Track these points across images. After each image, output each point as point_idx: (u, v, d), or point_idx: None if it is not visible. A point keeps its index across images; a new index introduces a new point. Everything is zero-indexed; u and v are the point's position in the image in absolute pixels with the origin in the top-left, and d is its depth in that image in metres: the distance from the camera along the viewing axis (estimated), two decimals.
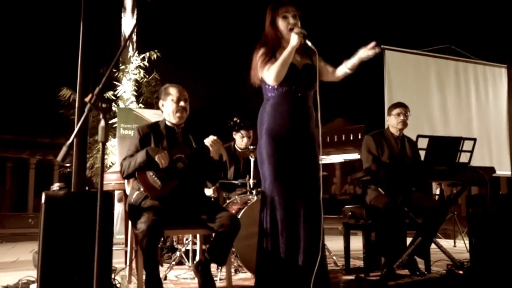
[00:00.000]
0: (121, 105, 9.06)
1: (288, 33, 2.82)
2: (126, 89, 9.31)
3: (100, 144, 2.25)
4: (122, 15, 10.19)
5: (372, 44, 2.75)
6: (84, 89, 2.78)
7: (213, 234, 3.05)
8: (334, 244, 5.27)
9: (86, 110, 2.28)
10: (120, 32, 9.77)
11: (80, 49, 2.79)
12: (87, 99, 2.25)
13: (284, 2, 2.89)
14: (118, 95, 9.26)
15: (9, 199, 25.83)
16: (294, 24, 2.82)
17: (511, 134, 4.18)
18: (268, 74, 2.80)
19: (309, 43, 2.75)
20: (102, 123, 2.24)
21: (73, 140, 2.32)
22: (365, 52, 2.77)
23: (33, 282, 3.01)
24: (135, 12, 10.08)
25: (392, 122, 4.05)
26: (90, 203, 2.47)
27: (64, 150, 2.21)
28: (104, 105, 2.25)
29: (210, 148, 3.04)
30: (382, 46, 6.39)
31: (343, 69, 2.90)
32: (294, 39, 2.73)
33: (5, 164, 25.57)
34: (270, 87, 2.88)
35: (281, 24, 2.87)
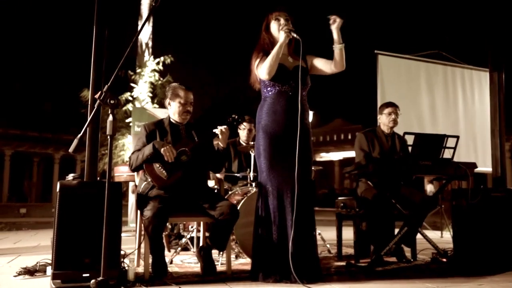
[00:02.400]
0: (138, 105, 9.12)
1: (279, 34, 2.85)
2: (142, 90, 9.37)
3: (108, 137, 2.27)
4: (139, 22, 10.26)
5: (331, 19, 2.80)
6: (96, 87, 2.79)
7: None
8: (329, 233, 5.27)
9: (95, 105, 2.30)
10: (137, 40, 9.80)
11: (93, 49, 2.81)
12: (96, 96, 2.27)
13: (278, 7, 2.92)
14: (134, 96, 9.33)
15: (36, 191, 26.07)
16: (284, 25, 2.84)
17: (493, 133, 4.15)
18: (260, 70, 2.86)
19: (295, 35, 2.80)
20: (110, 118, 2.26)
21: (84, 133, 2.34)
22: (332, 27, 2.82)
23: (49, 264, 3.03)
24: (151, 18, 10.12)
25: (383, 120, 4.03)
26: (101, 191, 2.50)
27: (75, 141, 2.24)
28: (112, 101, 2.26)
29: (220, 136, 3.08)
30: (375, 51, 6.36)
31: (335, 50, 2.88)
32: (282, 36, 2.80)
33: (32, 159, 25.82)
34: (266, 88, 2.91)
35: (273, 26, 2.92)
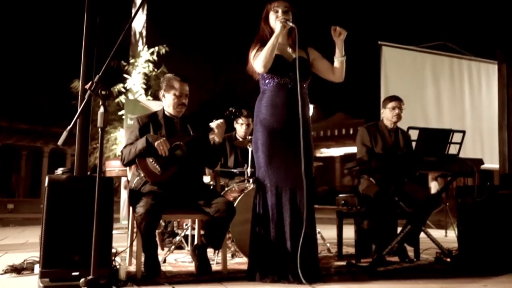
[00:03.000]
0: (131, 97, 9.09)
1: (276, 24, 2.84)
2: (135, 82, 9.33)
3: (99, 129, 2.25)
4: (133, 11, 10.20)
5: (333, 29, 2.81)
6: (87, 78, 2.78)
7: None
8: (330, 232, 5.27)
9: (86, 96, 2.28)
10: (130, 27, 9.74)
11: (84, 39, 2.79)
12: (87, 86, 2.25)
13: None
14: (127, 87, 9.29)
15: (24, 186, 26.03)
16: (283, 16, 2.82)
17: (501, 128, 4.15)
18: (256, 62, 2.85)
19: (291, 24, 2.80)
20: (101, 109, 2.24)
21: (74, 125, 2.33)
22: (336, 39, 2.83)
23: (37, 262, 3.02)
24: (145, 7, 10.07)
25: (386, 115, 4.01)
26: (91, 187, 2.48)
27: (64, 134, 2.22)
28: (103, 92, 2.25)
29: (215, 130, 3.07)
30: (379, 42, 6.35)
31: (336, 62, 2.92)
32: (277, 27, 2.79)
33: (20, 152, 25.76)
34: (265, 80, 2.90)
35: (272, 17, 2.89)
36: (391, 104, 3.99)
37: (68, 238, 2.58)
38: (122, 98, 9.13)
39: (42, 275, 2.52)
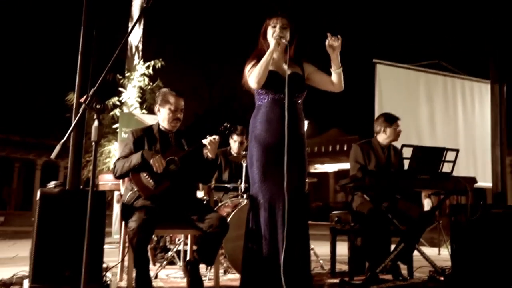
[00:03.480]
0: (125, 110, 9.08)
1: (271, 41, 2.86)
2: (130, 95, 9.33)
3: (93, 143, 2.24)
4: (129, 25, 10.25)
5: (329, 37, 2.79)
6: (82, 91, 2.77)
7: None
8: (323, 249, 5.24)
9: (81, 110, 2.27)
10: (127, 40, 9.77)
11: (80, 52, 2.79)
12: (82, 100, 2.24)
13: (277, 14, 2.91)
14: (122, 101, 9.28)
15: (15, 198, 25.77)
16: (278, 33, 2.84)
17: (493, 147, 4.17)
18: (250, 77, 2.86)
19: (284, 41, 2.81)
20: (96, 123, 2.23)
21: (68, 139, 2.31)
22: (330, 48, 2.81)
23: (27, 277, 2.98)
24: (142, 21, 10.12)
25: (389, 133, 4.00)
26: (84, 201, 2.46)
27: (58, 147, 2.20)
28: (98, 106, 2.24)
29: (208, 147, 3.06)
30: (373, 60, 6.40)
31: (333, 74, 2.92)
32: (271, 44, 2.81)
33: (13, 164, 25.54)
34: (260, 96, 2.91)
35: (269, 33, 2.90)
36: (396, 124, 4.02)
37: (58, 252, 2.56)
38: (116, 112, 9.11)
39: None
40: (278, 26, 2.87)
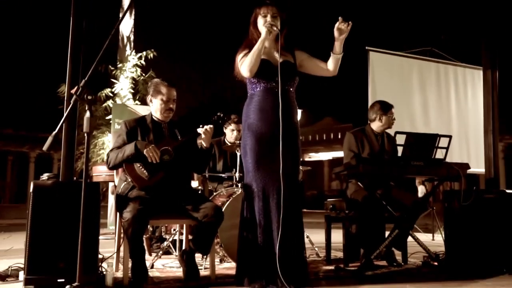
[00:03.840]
0: (118, 101, 9.02)
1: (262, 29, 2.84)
2: (123, 86, 9.27)
3: (85, 134, 2.23)
4: (121, 15, 10.15)
5: (340, 20, 2.76)
6: (73, 82, 2.75)
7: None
8: (318, 236, 5.27)
9: (72, 101, 2.26)
10: (118, 31, 9.67)
11: (70, 43, 2.76)
12: (73, 91, 2.23)
13: (266, 2, 2.89)
14: (115, 92, 9.22)
15: (9, 191, 25.68)
16: (269, 21, 2.82)
17: (486, 133, 4.19)
18: (242, 66, 2.84)
19: (276, 29, 2.79)
20: (87, 114, 2.22)
21: (59, 131, 2.30)
22: (337, 31, 2.78)
23: (22, 269, 2.97)
24: (133, 11, 10.03)
25: (385, 121, 4.00)
26: (77, 192, 2.45)
27: (50, 139, 2.19)
28: (89, 97, 2.22)
29: (203, 136, 3.05)
30: (366, 48, 6.39)
31: (332, 58, 2.90)
32: (263, 32, 2.79)
33: (6, 157, 25.42)
34: (252, 85, 2.90)
35: (260, 22, 2.88)
36: (390, 112, 4.02)
37: (53, 244, 2.55)
38: (109, 103, 9.05)
39: (27, 282, 2.49)
40: (269, 15, 2.86)
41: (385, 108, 4.03)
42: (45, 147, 2.18)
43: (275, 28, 2.80)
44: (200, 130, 3.06)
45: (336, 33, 2.80)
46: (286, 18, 2.94)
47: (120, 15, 10.14)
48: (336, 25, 2.77)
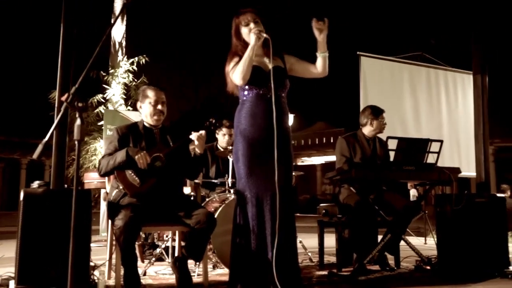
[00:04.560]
0: (110, 108, 8.98)
1: (250, 37, 2.81)
2: (115, 92, 9.23)
3: (76, 142, 2.20)
4: (112, 20, 10.12)
5: (314, 21, 2.78)
6: (63, 89, 2.73)
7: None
8: (311, 241, 5.26)
9: (62, 108, 2.23)
10: (110, 37, 9.64)
11: (60, 50, 2.74)
12: (63, 98, 2.20)
13: (244, 11, 2.88)
14: (107, 98, 9.18)
15: (0, 198, 25.43)
16: (254, 27, 2.81)
17: (477, 137, 4.21)
18: (234, 75, 2.82)
19: (265, 35, 2.78)
20: (78, 121, 2.19)
21: (50, 138, 2.27)
22: (316, 31, 2.80)
23: (13, 278, 2.94)
24: (125, 17, 10.01)
25: (376, 126, 4.02)
26: (68, 200, 2.43)
27: (40, 147, 2.16)
28: (80, 104, 2.20)
29: (196, 142, 3.03)
30: (358, 53, 6.42)
31: (319, 58, 2.90)
32: (252, 39, 2.76)
33: None
34: (244, 91, 2.89)
35: (244, 31, 2.87)
36: (381, 116, 4.04)
37: (44, 253, 2.52)
38: (101, 109, 9.01)
39: None
40: (251, 22, 2.84)
41: (376, 112, 4.04)
42: (35, 155, 2.15)
43: (263, 34, 2.78)
44: (193, 136, 3.05)
45: (316, 33, 2.82)
46: (266, 22, 2.92)
47: (112, 21, 10.13)
48: (313, 25, 2.79)
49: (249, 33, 2.80)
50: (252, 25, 2.83)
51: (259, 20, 2.86)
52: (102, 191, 6.31)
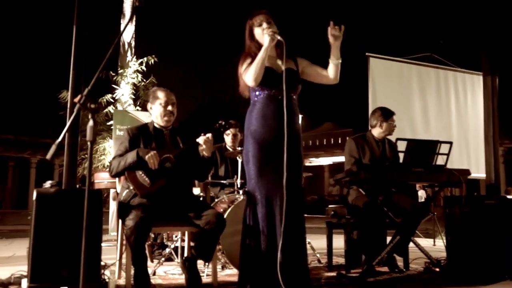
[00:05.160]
0: (119, 107, 9.04)
1: (264, 38, 2.82)
2: (124, 92, 9.29)
3: (89, 143, 2.23)
4: (121, 22, 10.19)
5: (331, 25, 2.77)
6: (76, 90, 2.76)
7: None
8: (320, 242, 5.26)
9: (75, 109, 2.26)
10: (120, 38, 9.69)
11: (73, 50, 2.77)
12: (76, 100, 2.23)
13: (257, 12, 2.90)
14: (116, 98, 9.24)
15: (10, 197, 25.66)
16: (267, 28, 2.82)
17: (487, 139, 4.20)
18: (247, 76, 2.83)
19: (279, 37, 2.78)
20: (91, 122, 2.22)
21: (63, 139, 2.30)
22: (332, 37, 2.79)
23: (25, 276, 2.97)
24: (134, 18, 10.07)
25: (386, 128, 4.02)
26: (80, 200, 2.45)
27: (53, 148, 2.19)
28: (92, 106, 2.22)
29: (203, 146, 3.05)
30: (366, 54, 6.41)
31: (331, 65, 2.90)
32: (266, 40, 2.77)
33: (7, 163, 25.42)
34: (255, 92, 2.90)
35: (257, 32, 2.88)
36: (391, 119, 4.04)
37: (56, 252, 2.55)
38: (110, 109, 9.07)
39: None
40: (264, 23, 2.85)
41: (386, 115, 4.04)
42: (48, 156, 2.18)
43: (277, 36, 2.79)
44: (200, 140, 3.07)
45: (331, 39, 2.81)
46: (279, 23, 2.93)
47: (121, 21, 10.19)
48: (329, 31, 2.78)
49: (263, 34, 2.81)
50: (265, 25, 2.84)
51: (272, 21, 2.87)
52: (111, 190, 6.35)
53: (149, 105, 3.24)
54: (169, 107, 3.16)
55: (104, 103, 9.17)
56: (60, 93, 9.32)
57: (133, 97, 9.37)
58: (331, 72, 2.91)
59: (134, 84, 9.43)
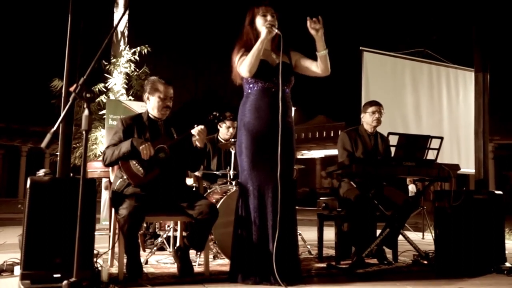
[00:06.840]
0: (112, 97, 9.00)
1: (262, 29, 2.87)
2: (116, 81, 9.24)
3: (84, 132, 2.25)
4: (115, 10, 10.11)
5: (308, 20, 2.82)
6: (70, 79, 2.75)
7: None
8: (310, 234, 5.32)
9: (70, 99, 2.28)
10: (112, 26, 9.62)
11: (68, 40, 2.77)
12: (71, 89, 2.24)
13: (264, 3, 2.93)
14: (109, 87, 9.19)
15: (0, 185, 25.49)
16: (269, 21, 2.85)
17: (477, 135, 4.25)
18: (241, 67, 2.87)
19: (276, 30, 2.82)
20: (86, 112, 2.23)
21: (57, 128, 2.31)
22: (312, 31, 2.84)
23: (17, 264, 2.99)
24: (128, 7, 9.98)
25: (367, 119, 4.09)
26: (74, 189, 2.48)
27: (48, 137, 2.21)
28: (88, 95, 2.24)
29: (197, 137, 3.07)
30: (360, 48, 6.44)
31: (319, 57, 2.94)
32: (263, 32, 2.81)
33: None
34: (249, 84, 2.93)
35: (259, 22, 2.91)
36: (371, 109, 4.07)
37: (49, 240, 2.57)
38: (103, 98, 9.02)
39: (23, 277, 2.50)
40: (269, 15, 2.89)
41: (365, 106, 4.12)
42: (43, 145, 2.20)
43: (275, 29, 2.82)
44: (194, 131, 3.09)
45: (312, 32, 2.85)
46: (281, 19, 2.97)
47: (114, 9, 10.11)
48: (308, 26, 2.82)
49: (263, 25, 2.84)
50: (269, 17, 2.87)
51: (276, 16, 2.90)
52: (104, 180, 6.35)
53: (145, 95, 3.22)
54: (167, 102, 3.17)
55: (96, 92, 9.12)
56: (52, 82, 9.26)
57: (125, 86, 9.33)
58: (321, 64, 2.95)
59: (127, 74, 9.38)
